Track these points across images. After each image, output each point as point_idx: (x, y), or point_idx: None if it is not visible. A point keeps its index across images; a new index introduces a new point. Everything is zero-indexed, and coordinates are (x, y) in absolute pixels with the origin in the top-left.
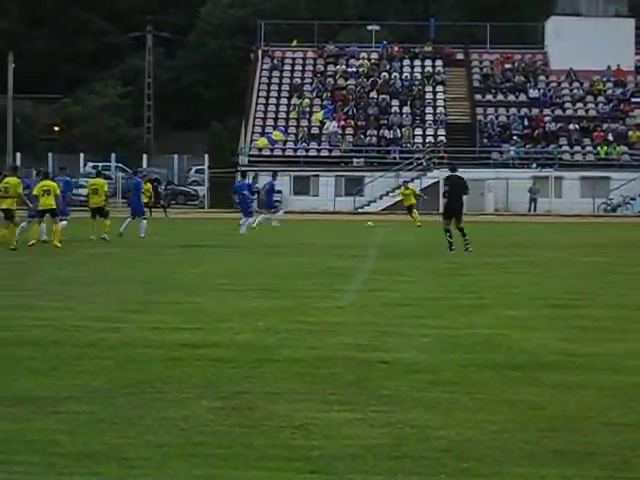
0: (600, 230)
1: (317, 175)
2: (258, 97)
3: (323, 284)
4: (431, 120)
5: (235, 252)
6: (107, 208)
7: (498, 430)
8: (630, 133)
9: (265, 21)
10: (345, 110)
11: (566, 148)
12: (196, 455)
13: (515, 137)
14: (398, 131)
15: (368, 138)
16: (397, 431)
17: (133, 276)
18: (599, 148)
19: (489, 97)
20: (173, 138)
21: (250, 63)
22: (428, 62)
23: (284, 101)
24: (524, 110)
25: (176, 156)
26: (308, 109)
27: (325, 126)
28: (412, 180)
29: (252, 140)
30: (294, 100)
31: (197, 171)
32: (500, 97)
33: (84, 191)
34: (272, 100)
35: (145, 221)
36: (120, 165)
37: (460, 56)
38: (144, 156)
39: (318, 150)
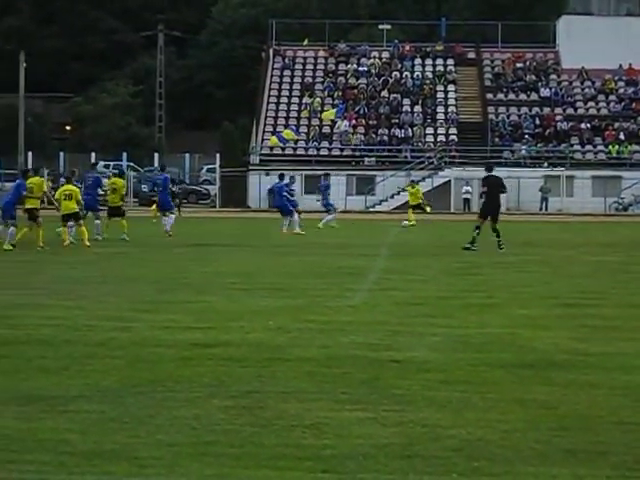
0: (611, 229)
1: (328, 174)
2: (269, 96)
3: (334, 283)
4: (442, 119)
5: (246, 251)
6: (124, 208)
7: (509, 429)
8: None
9: (276, 20)
10: (356, 109)
11: (577, 147)
12: (207, 454)
13: (526, 136)
14: (409, 130)
15: (379, 137)
16: (408, 430)
17: (144, 275)
18: (610, 147)
19: (500, 96)
20: (184, 137)
21: (261, 62)
22: (439, 61)
23: (295, 100)
24: (535, 109)
25: (187, 155)
26: (319, 108)
27: (336, 125)
28: (423, 179)
29: (263, 139)
30: (305, 99)
31: (208, 170)
32: (511, 96)
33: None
34: (283, 99)
35: (173, 216)
36: (131, 164)
37: (471, 55)
38: (155, 155)
39: (329, 149)
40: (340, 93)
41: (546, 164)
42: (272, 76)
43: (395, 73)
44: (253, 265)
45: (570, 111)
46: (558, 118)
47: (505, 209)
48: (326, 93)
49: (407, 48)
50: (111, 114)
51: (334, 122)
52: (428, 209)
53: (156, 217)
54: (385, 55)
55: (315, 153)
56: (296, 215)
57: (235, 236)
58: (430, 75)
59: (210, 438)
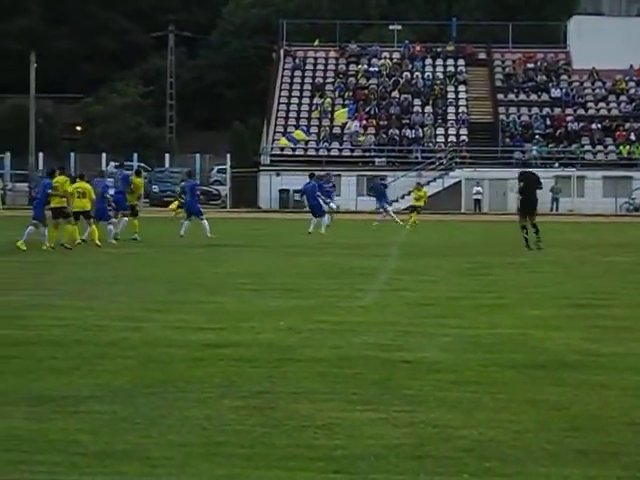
0: (622, 230)
1: (339, 175)
2: (280, 97)
3: (345, 284)
4: (453, 120)
5: (257, 252)
6: (138, 208)
7: (520, 430)
8: None
9: (287, 21)
10: (367, 110)
11: (588, 147)
12: (218, 454)
13: (537, 137)
14: (420, 131)
15: (390, 138)
16: (419, 431)
17: (156, 276)
18: (621, 147)
19: (511, 96)
20: (195, 138)
21: (272, 63)
22: (450, 61)
23: (306, 101)
24: (546, 110)
25: (198, 156)
26: (330, 109)
27: (347, 126)
28: (434, 179)
29: (274, 140)
30: (316, 100)
31: (219, 171)
32: (522, 97)
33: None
34: (294, 100)
35: (205, 221)
36: (142, 165)
37: (482, 55)
38: (166, 156)
39: (340, 150)
40: (351, 93)
41: (557, 164)
42: (283, 76)
43: (406, 73)
44: (264, 266)
45: (581, 111)
46: (569, 118)
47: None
48: (337, 93)
49: (418, 48)
50: (121, 114)
51: (346, 123)
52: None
53: (177, 217)
54: (396, 55)
55: (326, 154)
56: (327, 216)
57: (246, 237)
58: (441, 75)
59: (221, 438)
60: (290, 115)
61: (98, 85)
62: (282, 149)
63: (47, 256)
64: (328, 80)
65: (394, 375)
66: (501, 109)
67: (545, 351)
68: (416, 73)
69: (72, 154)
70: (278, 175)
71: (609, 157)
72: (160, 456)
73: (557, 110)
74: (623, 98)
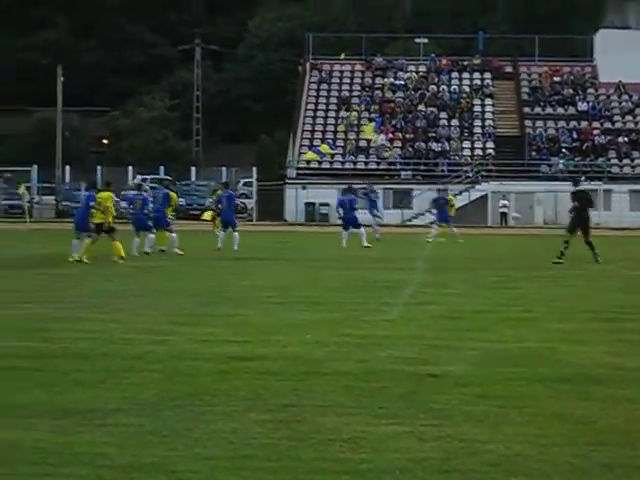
0: None
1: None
2: (306, 110)
3: (371, 297)
4: (479, 133)
5: (283, 265)
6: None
7: (547, 444)
8: None
9: (313, 34)
10: (393, 123)
11: (615, 161)
12: (244, 468)
13: (564, 150)
14: (446, 144)
15: (416, 151)
16: (446, 445)
17: (182, 288)
18: None
19: (538, 110)
20: (221, 151)
21: (298, 76)
22: (476, 75)
23: (332, 114)
24: (573, 123)
25: (224, 169)
26: (356, 122)
27: (373, 139)
28: (460, 193)
29: (300, 153)
30: (342, 113)
31: (245, 184)
32: (549, 110)
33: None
34: (320, 113)
35: (237, 234)
36: (168, 178)
37: (509, 69)
38: (192, 169)
39: (366, 163)
40: (377, 107)
41: (583, 178)
42: (309, 90)
43: (432, 87)
44: (290, 279)
45: (607, 125)
46: (595, 132)
47: (543, 223)
48: (363, 107)
49: (444, 62)
50: (148, 128)
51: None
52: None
53: (216, 229)
54: (422, 69)
55: (352, 167)
56: (363, 228)
57: (272, 250)
58: (467, 89)
59: (247, 452)
60: (316, 128)
61: (125, 98)
62: (308, 162)
63: (73, 268)
64: (354, 93)
65: (420, 389)
66: (527, 122)
67: (571, 365)
68: (442, 86)
69: (99, 167)
70: (304, 188)
71: (636, 170)
72: (186, 469)
73: (584, 123)
74: None
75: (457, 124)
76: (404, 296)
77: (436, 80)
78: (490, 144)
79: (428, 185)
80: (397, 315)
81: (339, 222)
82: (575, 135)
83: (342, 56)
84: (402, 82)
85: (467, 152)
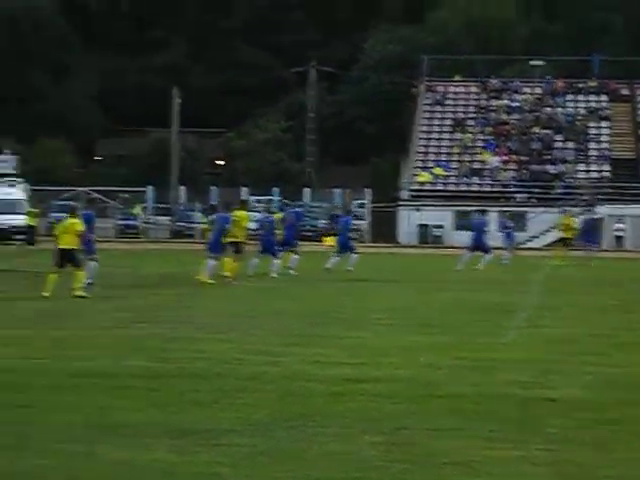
0: None
1: (484, 211)
2: (420, 132)
3: (485, 320)
4: (595, 155)
5: (396, 287)
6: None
7: None
8: None
9: (428, 56)
10: (508, 145)
11: None
12: None
13: None
14: (561, 166)
15: (531, 173)
16: (561, 469)
17: (294, 309)
18: None
19: None
20: (335, 172)
21: (411, 98)
22: (592, 97)
23: (446, 135)
24: None
25: (338, 190)
26: (470, 144)
27: (487, 161)
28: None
29: (414, 174)
30: (456, 135)
31: (358, 205)
32: None
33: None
34: (434, 135)
35: (356, 255)
36: (283, 199)
37: (625, 91)
38: (305, 190)
39: (480, 185)
40: (491, 129)
41: None
42: (423, 111)
43: (547, 109)
44: (403, 301)
45: None
46: None
47: None
48: (477, 129)
49: (560, 84)
50: (263, 149)
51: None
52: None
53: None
54: (537, 91)
55: (466, 189)
56: (491, 254)
57: (385, 271)
58: (582, 111)
59: (360, 474)
60: (430, 150)
61: (240, 120)
62: (422, 184)
63: (185, 289)
64: (469, 115)
65: (534, 413)
66: None
67: None
68: (557, 109)
69: (213, 188)
70: (418, 210)
71: None
72: None
73: None
74: None
75: (572, 147)
76: (519, 319)
77: (551, 102)
78: (606, 167)
79: (543, 208)
80: (511, 338)
81: (467, 244)
82: None
83: (457, 78)
84: (517, 104)
85: (582, 175)
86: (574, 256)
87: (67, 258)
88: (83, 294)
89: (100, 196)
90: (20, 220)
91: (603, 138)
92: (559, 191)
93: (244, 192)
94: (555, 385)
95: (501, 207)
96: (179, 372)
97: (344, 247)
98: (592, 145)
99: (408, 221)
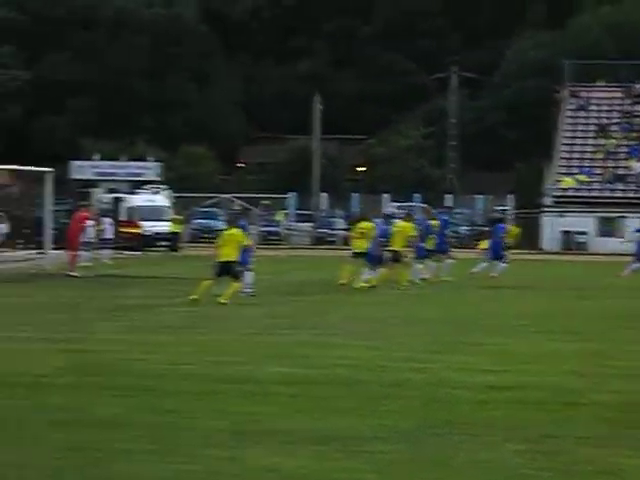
0: None
1: (623, 216)
2: (563, 137)
3: (631, 327)
4: None
5: (539, 294)
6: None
7: None
8: None
9: (570, 61)
10: None
11: None
12: None
13: None
14: None
15: None
16: None
17: (438, 316)
18: None
19: None
20: (476, 178)
21: (554, 103)
22: None
23: (589, 141)
24: None
25: (481, 197)
26: (614, 149)
27: (631, 166)
28: None
29: (557, 180)
30: (600, 140)
31: (494, 211)
32: None
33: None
34: (577, 140)
35: (504, 265)
36: (423, 206)
37: None
38: (447, 197)
39: (624, 191)
40: (636, 134)
41: None
42: (566, 117)
43: None
44: (547, 307)
45: None
46: None
47: None
48: (621, 134)
49: None
50: (404, 156)
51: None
52: None
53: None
54: None
55: (609, 195)
56: None
57: (527, 278)
58: None
59: None
60: (574, 156)
61: (381, 127)
62: (565, 190)
63: (330, 296)
64: (612, 120)
65: None
66: None
67: None
68: None
69: (354, 195)
70: (561, 216)
71: None
72: None
73: None
74: None
75: None
76: None
77: None
78: None
79: None
80: None
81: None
82: None
83: (600, 83)
84: None
85: None
86: None
87: (226, 270)
88: (227, 302)
89: (243, 203)
90: (164, 227)
91: None
92: None
93: (385, 199)
94: None
95: None
96: (323, 378)
97: (496, 254)
98: None
99: (551, 227)
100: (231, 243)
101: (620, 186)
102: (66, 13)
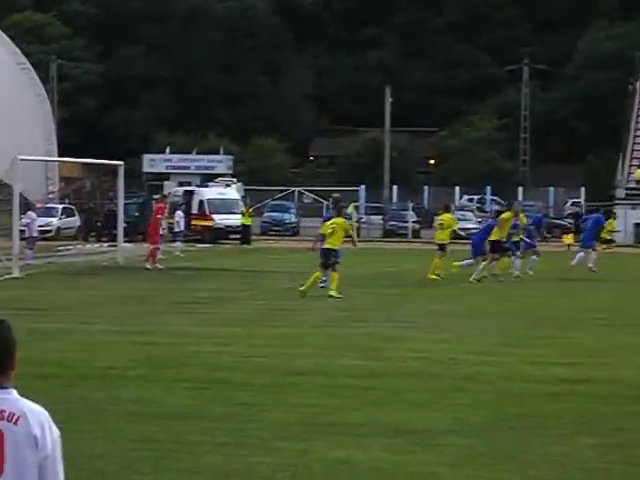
0: None
1: None
2: (636, 129)
3: None
4: None
5: (612, 287)
6: (449, 246)
7: None
8: None
9: None
10: None
11: None
12: None
13: None
14: None
15: None
16: None
17: (509, 310)
18: None
19: None
20: (548, 171)
21: (628, 95)
22: None
23: None
24: None
25: (552, 189)
26: None
27: None
28: None
29: (630, 173)
30: None
31: (573, 204)
32: None
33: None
34: None
35: (594, 254)
36: (495, 198)
37: None
38: (519, 189)
39: None
40: None
41: None
42: (639, 109)
43: None
44: (620, 301)
45: None
46: None
47: None
48: None
49: None
50: (475, 148)
51: None
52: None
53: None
54: None
55: None
56: None
57: (601, 271)
58: None
59: (579, 476)
60: None
61: (453, 118)
62: (638, 182)
63: (403, 289)
64: None
65: None
66: None
67: None
68: None
69: (425, 187)
70: (634, 209)
71: None
72: None
73: None
74: None
75: None
76: None
77: None
78: None
79: None
80: None
81: None
82: None
83: None
84: None
85: None
86: None
87: (329, 257)
88: (335, 294)
89: (314, 195)
90: (235, 220)
91: None
92: None
93: (457, 191)
94: None
95: None
96: (394, 371)
97: (585, 243)
98: None
99: (624, 220)
100: (338, 232)
101: None
102: (140, 7)
